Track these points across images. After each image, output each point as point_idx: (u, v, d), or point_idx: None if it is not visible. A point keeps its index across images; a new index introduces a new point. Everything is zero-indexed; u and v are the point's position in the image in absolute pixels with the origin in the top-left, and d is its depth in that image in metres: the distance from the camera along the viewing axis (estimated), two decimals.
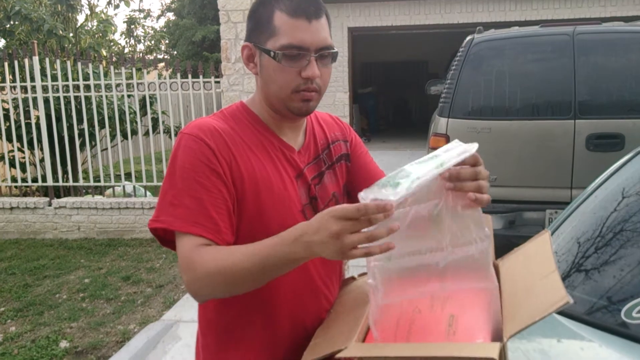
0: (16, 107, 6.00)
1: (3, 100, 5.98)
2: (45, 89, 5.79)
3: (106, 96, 5.84)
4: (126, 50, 9.69)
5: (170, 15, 18.89)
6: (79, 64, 5.76)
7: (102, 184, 5.99)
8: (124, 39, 9.83)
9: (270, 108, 1.14)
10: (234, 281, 0.96)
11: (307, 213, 1.13)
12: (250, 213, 1.07)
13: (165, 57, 15.78)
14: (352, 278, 1.33)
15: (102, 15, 8.34)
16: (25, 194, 6.33)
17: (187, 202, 1.01)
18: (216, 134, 1.06)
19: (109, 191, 6.12)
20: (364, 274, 1.31)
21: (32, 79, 5.76)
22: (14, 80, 5.86)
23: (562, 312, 1.33)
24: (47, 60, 5.72)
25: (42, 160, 6.15)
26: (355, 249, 0.85)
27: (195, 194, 1.01)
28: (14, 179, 6.15)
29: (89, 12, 8.22)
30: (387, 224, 0.86)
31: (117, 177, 7.09)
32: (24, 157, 6.09)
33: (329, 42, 1.08)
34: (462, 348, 0.89)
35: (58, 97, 5.80)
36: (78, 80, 5.75)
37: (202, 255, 0.98)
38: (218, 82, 6.12)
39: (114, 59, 5.91)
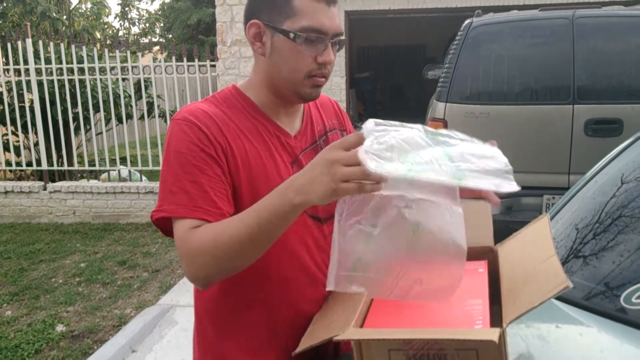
0: (10, 90, 5.93)
1: None
2: (39, 72, 5.72)
3: (101, 79, 5.78)
4: (120, 33, 9.60)
5: None
6: (73, 46, 5.69)
7: (97, 168, 5.96)
8: (118, 21, 9.74)
9: (271, 91, 1.11)
10: (231, 251, 0.93)
11: None
12: (244, 200, 1.05)
13: (160, 40, 15.64)
14: None
15: None
16: (20, 178, 6.29)
17: (187, 187, 0.99)
18: (209, 118, 1.04)
19: (104, 175, 6.09)
20: None
21: (26, 62, 5.69)
22: (7, 63, 5.79)
23: (561, 298, 1.32)
24: (40, 42, 5.65)
25: (36, 144, 6.10)
26: (348, 182, 0.80)
27: (194, 179, 0.99)
28: (8, 163, 6.11)
29: None
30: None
31: (112, 162, 7.05)
32: (18, 141, 6.04)
33: (342, 29, 1.06)
34: (462, 333, 0.89)
35: (52, 81, 5.74)
36: (72, 63, 5.68)
37: (198, 234, 0.96)
38: (214, 65, 6.06)
39: (108, 42, 5.85)
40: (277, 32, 1.03)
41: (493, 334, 0.82)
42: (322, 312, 1.10)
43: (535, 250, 1.06)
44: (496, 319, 0.94)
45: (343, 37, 1.07)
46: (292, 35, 1.02)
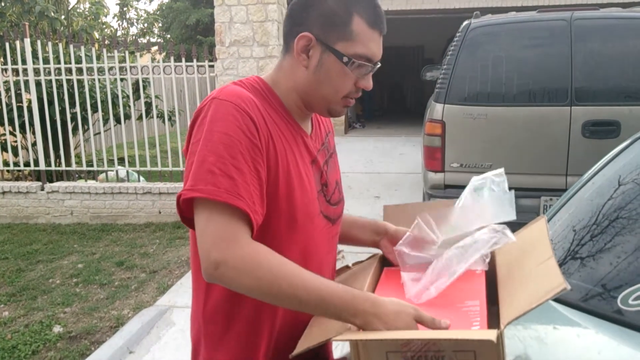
0: (8, 90, 5.92)
1: None
2: (37, 71, 5.71)
3: (99, 79, 5.77)
4: (119, 33, 9.59)
5: None
6: (71, 46, 5.68)
7: (95, 168, 5.94)
8: (117, 21, 9.74)
9: (300, 99, 1.11)
10: (271, 293, 0.94)
11: (320, 199, 1.12)
12: (279, 195, 1.03)
13: (159, 40, 15.63)
14: (347, 267, 1.32)
15: None
16: (17, 178, 6.28)
17: (231, 172, 0.94)
18: (256, 107, 1.01)
19: (102, 176, 6.08)
20: (358, 262, 1.31)
21: (24, 62, 5.68)
22: (5, 63, 5.78)
23: (558, 299, 1.32)
24: (38, 42, 5.64)
25: (34, 144, 6.09)
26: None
27: (239, 166, 0.94)
28: (6, 163, 6.10)
29: None
30: None
31: (110, 162, 7.04)
32: (15, 141, 6.03)
33: (381, 57, 1.09)
34: (460, 333, 0.89)
35: (50, 80, 5.73)
36: (70, 63, 5.67)
37: (255, 245, 0.95)
38: (212, 66, 6.06)
39: (107, 41, 5.83)
40: (329, 51, 1.03)
41: (491, 335, 0.82)
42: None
43: (532, 251, 1.06)
44: (494, 319, 0.94)
45: (380, 64, 1.09)
46: (345, 59, 1.03)
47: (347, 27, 1.02)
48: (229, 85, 1.05)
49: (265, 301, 0.97)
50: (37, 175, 5.99)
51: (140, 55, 6.34)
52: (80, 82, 5.76)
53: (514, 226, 1.19)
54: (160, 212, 5.64)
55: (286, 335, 1.11)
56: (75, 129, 6.11)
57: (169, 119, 6.19)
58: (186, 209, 0.99)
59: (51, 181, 5.93)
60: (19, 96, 5.95)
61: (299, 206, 1.06)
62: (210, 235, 0.93)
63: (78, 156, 6.39)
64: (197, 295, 1.15)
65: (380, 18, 1.05)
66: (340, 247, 1.37)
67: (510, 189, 1.18)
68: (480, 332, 0.89)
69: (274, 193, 1.02)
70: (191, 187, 0.94)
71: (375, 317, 0.92)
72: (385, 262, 1.27)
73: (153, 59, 6.06)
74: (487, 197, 1.16)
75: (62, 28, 6.86)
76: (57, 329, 3.36)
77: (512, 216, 1.13)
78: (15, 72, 5.77)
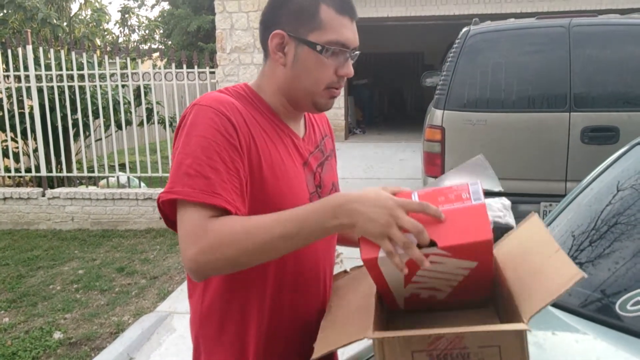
0: (10, 96, 5.95)
1: None
2: (39, 78, 5.74)
3: (100, 86, 5.80)
4: (120, 39, 9.63)
5: (165, 5, 18.73)
6: (73, 53, 5.71)
7: (96, 174, 5.96)
8: (118, 28, 9.79)
9: (286, 98, 1.12)
10: (255, 247, 0.92)
11: (314, 200, 1.12)
12: (266, 196, 1.04)
13: (160, 47, 15.69)
14: (345, 272, 1.33)
15: (96, 4, 8.28)
16: (18, 184, 6.29)
17: (207, 172, 0.95)
18: (236, 110, 1.03)
19: (103, 182, 6.09)
20: (357, 267, 1.31)
21: (26, 68, 5.71)
22: (7, 70, 5.81)
23: (557, 305, 1.33)
24: (40, 49, 5.67)
25: (35, 150, 6.11)
26: (389, 241, 0.87)
27: (214, 165, 0.96)
28: (7, 169, 6.11)
29: (83, 1, 8.16)
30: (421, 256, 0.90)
31: (111, 168, 7.05)
32: (17, 147, 6.05)
33: (358, 43, 1.09)
34: (488, 327, 0.92)
35: (52, 87, 5.76)
36: (72, 69, 5.70)
37: (220, 222, 0.93)
38: (213, 72, 6.08)
39: (108, 48, 5.87)
40: (303, 43, 1.05)
41: (520, 325, 0.84)
42: (330, 319, 1.09)
43: (536, 247, 1.06)
44: (508, 317, 0.96)
45: (358, 51, 1.10)
46: (318, 47, 1.04)
47: (316, 17, 1.04)
48: (212, 92, 1.08)
49: (261, 259, 0.97)
50: (38, 182, 6.01)
51: (142, 62, 6.36)
52: (81, 88, 5.78)
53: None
54: (161, 218, 5.65)
55: (275, 334, 1.12)
56: (76, 135, 6.12)
57: (170, 125, 6.21)
58: (170, 212, 1.01)
59: (52, 187, 5.94)
60: (20, 102, 5.97)
61: (289, 206, 1.06)
62: (185, 234, 0.95)
63: (79, 162, 6.41)
64: (192, 297, 1.17)
65: (347, 4, 1.07)
66: (338, 250, 1.37)
67: (507, 193, 1.19)
68: (510, 325, 0.90)
69: (261, 192, 1.04)
70: (169, 189, 0.97)
71: (355, 203, 0.90)
72: None
73: (154, 66, 6.09)
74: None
75: (64, 35, 6.90)
76: (57, 335, 3.36)
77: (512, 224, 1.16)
78: (18, 78, 5.79)
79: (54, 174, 5.96)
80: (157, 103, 6.39)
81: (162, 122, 6.52)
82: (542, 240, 1.05)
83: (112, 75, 5.74)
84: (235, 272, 1.07)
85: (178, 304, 3.72)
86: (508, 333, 0.88)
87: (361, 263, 1.25)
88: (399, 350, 0.90)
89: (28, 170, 6.20)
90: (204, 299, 1.13)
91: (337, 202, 0.91)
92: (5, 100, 5.85)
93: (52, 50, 5.58)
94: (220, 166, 0.96)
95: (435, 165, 3.95)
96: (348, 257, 1.52)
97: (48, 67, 5.73)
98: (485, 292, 1.06)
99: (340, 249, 1.36)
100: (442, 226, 0.92)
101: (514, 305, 0.94)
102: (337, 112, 9.91)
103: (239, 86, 1.14)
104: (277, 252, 0.95)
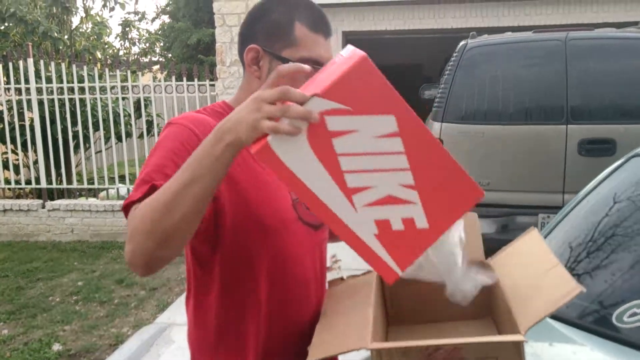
0: (10, 109, 5.98)
1: None
2: (39, 91, 5.77)
3: (101, 99, 5.83)
4: (121, 52, 9.69)
5: (165, 18, 18.84)
6: (74, 66, 5.75)
7: (95, 186, 5.97)
8: (119, 41, 9.85)
9: None
10: (164, 209, 0.87)
11: (297, 207, 1.14)
12: (248, 207, 1.06)
13: (160, 59, 15.76)
14: (341, 279, 1.33)
15: (97, 18, 8.34)
16: (18, 196, 6.30)
17: (156, 177, 0.96)
18: (205, 124, 1.05)
19: (103, 194, 6.10)
20: (354, 275, 1.32)
21: (27, 81, 5.75)
22: (8, 82, 5.84)
23: (554, 316, 1.34)
24: (41, 62, 5.71)
25: (35, 162, 6.12)
26: (268, 120, 0.79)
27: (170, 173, 0.94)
28: (7, 181, 6.12)
29: (84, 15, 8.21)
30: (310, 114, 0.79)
31: (111, 180, 7.06)
32: (17, 159, 6.07)
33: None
34: (486, 338, 0.94)
35: (52, 100, 5.79)
36: (73, 82, 5.73)
37: (138, 206, 0.92)
38: (213, 85, 6.12)
39: (109, 61, 5.91)
40: (276, 58, 1.08)
41: (518, 337, 0.85)
42: (325, 325, 1.09)
43: (534, 261, 1.08)
44: (506, 328, 0.97)
45: None
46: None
47: (290, 34, 1.07)
48: (189, 112, 1.11)
49: (183, 221, 0.88)
50: (38, 193, 6.01)
51: (142, 75, 6.40)
52: (82, 101, 5.81)
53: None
54: None
55: (274, 341, 1.13)
56: (76, 147, 6.15)
57: None
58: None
59: (52, 199, 5.95)
60: (21, 115, 6.00)
61: (268, 213, 1.08)
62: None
63: (79, 174, 6.42)
64: (188, 306, 1.19)
65: (321, 21, 1.10)
66: (338, 256, 1.37)
67: (505, 205, 1.20)
68: (507, 336, 0.92)
69: (243, 204, 1.06)
70: (128, 196, 0.97)
71: (228, 120, 0.85)
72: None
73: (154, 78, 6.13)
74: None
75: (65, 48, 6.94)
76: (56, 347, 3.36)
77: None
78: (18, 91, 5.83)
79: (54, 185, 5.97)
80: (157, 115, 6.42)
81: None
82: (541, 255, 1.06)
83: (112, 87, 5.78)
84: (230, 282, 1.09)
85: (177, 316, 3.71)
86: (506, 344, 0.89)
87: (358, 272, 1.26)
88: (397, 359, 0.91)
89: (28, 182, 6.21)
90: (199, 307, 1.15)
91: (217, 127, 0.86)
92: (5, 113, 5.88)
93: (52, 63, 5.62)
94: (172, 172, 0.93)
95: None
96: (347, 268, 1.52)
97: (49, 80, 5.76)
98: (459, 180, 0.89)
99: (339, 255, 1.36)
100: (318, 82, 0.83)
101: (511, 317, 0.95)
102: None
103: (217, 104, 1.17)
104: (188, 204, 0.87)
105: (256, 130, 0.81)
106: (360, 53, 0.82)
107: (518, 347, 0.87)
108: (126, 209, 0.96)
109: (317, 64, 1.06)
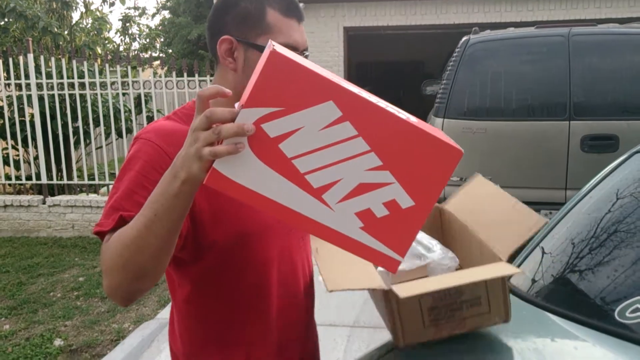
0: (10, 104, 5.97)
1: None
2: (39, 86, 5.76)
3: (101, 94, 5.82)
4: (121, 48, 9.67)
5: (166, 14, 18.83)
6: (74, 61, 5.73)
7: (96, 182, 5.96)
8: (119, 36, 9.84)
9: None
10: (131, 248, 0.87)
11: None
12: (218, 216, 1.04)
13: (161, 55, 15.74)
14: None
15: (97, 13, 8.32)
16: (19, 192, 6.30)
17: (126, 206, 0.95)
18: (176, 135, 1.01)
19: (104, 189, 6.10)
20: None
21: (27, 77, 5.73)
22: (8, 78, 5.83)
23: (556, 312, 1.34)
24: (41, 57, 5.69)
25: (36, 158, 6.12)
26: (208, 147, 0.76)
27: (140, 200, 0.92)
28: (7, 177, 6.12)
29: (84, 10, 8.20)
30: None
31: (112, 175, 7.06)
32: (18, 155, 6.06)
33: (307, 45, 1.10)
34: (487, 271, 1.03)
35: (53, 95, 5.78)
36: (73, 78, 5.72)
37: (110, 240, 0.92)
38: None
39: (109, 57, 5.89)
40: (251, 47, 1.05)
41: (512, 268, 1.02)
42: (327, 264, 1.06)
43: (492, 201, 1.20)
44: (484, 259, 1.09)
45: (308, 53, 1.10)
46: None
47: (263, 21, 1.04)
48: (156, 121, 1.08)
49: (150, 258, 0.88)
50: (38, 189, 6.01)
51: (142, 70, 6.39)
52: (82, 96, 5.80)
53: None
54: None
55: (266, 344, 1.14)
56: (77, 142, 6.14)
57: None
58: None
59: (53, 195, 5.95)
60: (21, 110, 5.99)
61: (249, 218, 1.07)
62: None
63: (80, 170, 6.42)
64: (177, 318, 1.20)
65: (293, 5, 1.07)
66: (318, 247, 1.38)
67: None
68: (504, 267, 1.02)
69: (217, 210, 1.03)
70: (98, 222, 0.97)
71: (178, 157, 0.82)
72: None
73: (155, 74, 6.12)
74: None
75: (65, 43, 6.93)
76: (57, 342, 3.36)
77: None
78: (19, 86, 5.82)
79: (55, 181, 5.97)
80: (158, 111, 6.41)
81: None
82: (497, 195, 1.18)
83: (112, 83, 5.77)
84: (215, 290, 1.09)
85: None
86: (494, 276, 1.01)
87: None
88: (409, 299, 0.97)
89: (28, 177, 6.21)
90: (182, 315, 1.17)
91: (173, 162, 0.83)
92: (6, 108, 5.87)
93: (53, 59, 5.61)
94: (143, 198, 0.92)
95: None
96: None
97: (49, 76, 5.75)
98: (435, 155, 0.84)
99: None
100: (246, 90, 0.80)
101: (488, 250, 1.07)
102: None
103: (188, 105, 1.12)
104: (154, 243, 0.86)
105: (202, 160, 0.77)
106: (270, 48, 0.76)
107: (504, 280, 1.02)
108: (98, 235, 0.96)
109: (294, 49, 1.03)
